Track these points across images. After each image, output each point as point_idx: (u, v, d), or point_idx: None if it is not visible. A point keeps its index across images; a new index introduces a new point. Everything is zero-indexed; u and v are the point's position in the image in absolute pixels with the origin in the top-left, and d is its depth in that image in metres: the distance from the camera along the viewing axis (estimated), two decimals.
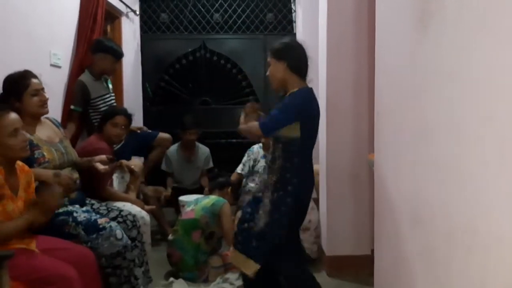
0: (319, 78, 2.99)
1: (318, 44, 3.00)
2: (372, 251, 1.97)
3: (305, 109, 2.02)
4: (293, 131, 1.98)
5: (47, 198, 1.76)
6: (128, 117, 2.82)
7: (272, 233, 2.00)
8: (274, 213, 2.00)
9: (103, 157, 2.38)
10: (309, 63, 2.08)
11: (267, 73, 2.12)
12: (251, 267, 2.03)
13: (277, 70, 2.05)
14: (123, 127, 2.76)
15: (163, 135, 3.50)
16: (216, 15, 4.83)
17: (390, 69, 1.68)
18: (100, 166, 2.31)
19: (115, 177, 2.92)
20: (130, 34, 4.30)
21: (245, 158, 3.68)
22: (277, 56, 2.06)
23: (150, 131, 3.56)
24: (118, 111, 2.82)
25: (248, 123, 2.11)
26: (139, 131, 3.43)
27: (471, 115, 1.01)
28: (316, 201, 3.20)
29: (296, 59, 2.06)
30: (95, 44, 3.03)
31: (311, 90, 2.08)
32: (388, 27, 1.69)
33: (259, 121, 2.06)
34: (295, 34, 4.72)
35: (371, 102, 2.36)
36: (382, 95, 1.79)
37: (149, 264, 2.37)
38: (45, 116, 2.22)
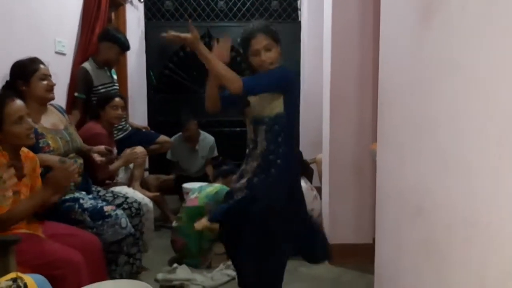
0: (323, 67, 2.99)
1: (323, 32, 2.99)
2: (374, 239, 1.99)
3: (291, 83, 1.96)
4: (277, 107, 1.91)
5: (59, 176, 1.75)
6: (123, 98, 2.95)
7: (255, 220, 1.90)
8: (249, 195, 1.92)
9: (102, 148, 2.40)
10: None
11: (264, 57, 1.89)
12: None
13: (278, 54, 1.93)
14: (121, 108, 2.85)
15: (165, 137, 3.54)
16: (221, 3, 4.80)
17: (393, 60, 1.67)
18: (97, 157, 2.33)
19: None
20: (134, 21, 4.28)
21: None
22: (277, 39, 1.93)
23: (153, 132, 3.61)
24: (113, 94, 2.91)
25: (230, 71, 1.81)
26: (144, 130, 3.55)
27: (473, 108, 1.01)
28: (319, 190, 3.22)
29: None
30: (103, 33, 3.04)
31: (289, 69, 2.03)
32: (392, 17, 1.68)
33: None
34: (300, 22, 4.68)
35: (375, 92, 2.35)
36: (386, 85, 1.79)
37: (142, 255, 2.37)
38: (50, 103, 2.24)
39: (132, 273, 2.27)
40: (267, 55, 1.91)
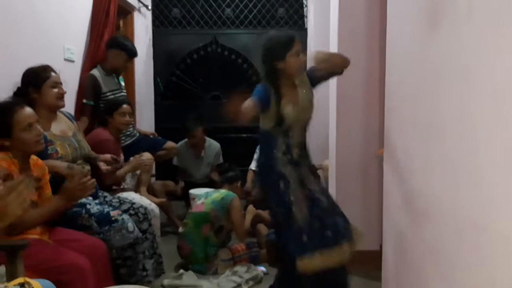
0: None
1: (329, 39, 3.00)
2: (381, 246, 1.97)
3: None
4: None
5: (75, 188, 1.75)
6: (131, 105, 2.98)
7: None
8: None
9: (108, 156, 2.42)
10: None
11: (304, 58, 2.05)
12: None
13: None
14: (129, 114, 2.88)
15: (171, 143, 3.56)
16: (228, 10, 4.83)
17: (400, 66, 1.67)
18: (103, 166, 2.35)
19: None
20: (142, 29, 4.33)
21: (256, 155, 3.70)
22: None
23: (161, 138, 3.63)
24: (121, 101, 2.92)
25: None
26: (151, 136, 3.58)
27: (481, 113, 1.00)
28: None
29: None
30: (111, 40, 3.07)
31: None
32: (399, 24, 1.68)
33: None
34: (306, 29, 4.70)
35: (381, 98, 2.35)
36: (393, 91, 1.79)
37: (162, 258, 2.42)
38: (59, 110, 2.27)
39: (160, 274, 2.40)
40: (303, 57, 2.02)
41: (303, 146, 2.08)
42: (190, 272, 2.67)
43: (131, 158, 2.82)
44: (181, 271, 2.68)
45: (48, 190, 1.90)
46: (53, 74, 2.16)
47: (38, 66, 2.15)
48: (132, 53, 3.17)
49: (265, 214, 3.16)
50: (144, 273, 2.21)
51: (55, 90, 2.15)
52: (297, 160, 2.05)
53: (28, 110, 1.78)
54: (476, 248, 1.02)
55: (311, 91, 2.08)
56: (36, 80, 2.11)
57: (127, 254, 2.14)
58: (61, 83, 2.19)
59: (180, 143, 3.91)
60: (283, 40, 1.99)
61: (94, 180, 1.77)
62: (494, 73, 0.95)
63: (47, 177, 1.93)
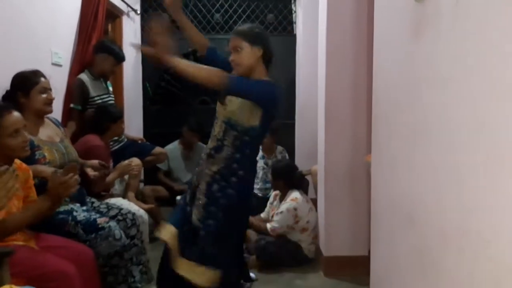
0: (318, 79, 3.02)
1: (317, 45, 3.03)
2: (369, 252, 1.99)
3: (273, 101, 1.91)
4: (253, 119, 1.87)
5: (58, 187, 1.71)
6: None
7: (209, 231, 1.85)
8: (210, 206, 1.87)
9: (96, 162, 2.40)
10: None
11: (231, 57, 1.89)
12: (205, 275, 1.82)
13: (249, 56, 1.87)
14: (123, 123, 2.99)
15: (160, 149, 3.56)
16: (217, 15, 4.84)
17: (387, 73, 1.70)
18: (90, 172, 2.33)
19: None
20: (131, 33, 4.31)
21: None
22: (253, 41, 1.87)
23: (149, 143, 3.64)
24: (119, 114, 2.96)
25: (204, 68, 1.83)
26: (139, 142, 3.57)
27: (464, 120, 1.03)
28: (314, 202, 3.22)
29: (271, 49, 1.92)
30: (98, 45, 3.05)
31: (280, 87, 1.98)
32: (385, 31, 1.71)
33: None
34: (295, 35, 4.73)
35: (369, 104, 2.38)
36: (379, 98, 1.81)
37: (149, 266, 2.40)
38: (46, 115, 2.25)
39: (149, 280, 2.33)
40: (234, 55, 1.90)
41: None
42: None
43: (118, 165, 2.80)
44: None
45: (33, 194, 1.87)
46: (42, 79, 2.14)
47: (28, 71, 2.13)
48: (119, 57, 3.16)
49: (254, 220, 3.16)
50: (132, 279, 2.20)
51: (44, 95, 2.13)
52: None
53: (16, 115, 1.76)
54: (459, 251, 1.04)
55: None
56: (25, 85, 2.09)
57: (114, 261, 2.11)
58: (50, 89, 2.17)
59: (170, 144, 3.93)
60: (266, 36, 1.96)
61: (76, 176, 1.74)
62: (476, 82, 0.97)
63: (31, 181, 1.90)
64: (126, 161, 2.86)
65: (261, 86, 1.89)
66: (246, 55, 1.88)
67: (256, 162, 2.06)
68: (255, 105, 1.87)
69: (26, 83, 2.10)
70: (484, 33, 0.94)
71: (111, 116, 2.86)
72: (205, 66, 1.84)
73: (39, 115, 2.16)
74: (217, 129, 1.98)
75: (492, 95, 0.91)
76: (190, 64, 1.83)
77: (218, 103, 2.03)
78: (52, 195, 1.70)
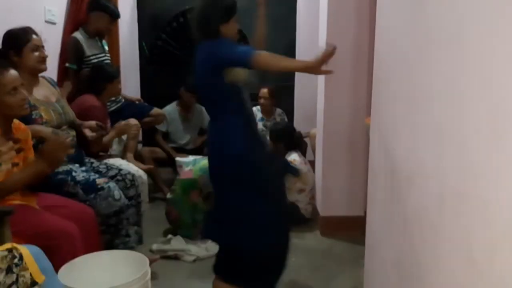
0: (319, 41, 2.95)
1: (319, 7, 2.94)
2: (365, 212, 2.02)
3: None
4: None
5: (54, 148, 1.72)
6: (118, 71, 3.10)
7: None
8: None
9: (93, 123, 2.38)
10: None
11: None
12: None
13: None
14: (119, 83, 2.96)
15: (158, 110, 3.53)
16: None
17: (389, 32, 1.65)
18: (88, 133, 2.31)
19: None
20: None
21: None
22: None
23: (147, 104, 3.59)
24: (116, 74, 2.91)
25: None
26: (137, 102, 3.52)
27: (467, 82, 1.01)
28: (312, 164, 3.24)
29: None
30: (92, 2, 2.96)
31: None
32: None
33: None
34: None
35: (370, 66, 2.34)
36: (381, 59, 1.78)
37: (142, 227, 2.40)
38: (41, 75, 2.20)
39: (140, 242, 2.35)
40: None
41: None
42: (179, 237, 2.71)
43: (116, 125, 2.79)
44: (170, 236, 2.72)
45: (31, 155, 1.87)
46: (34, 36, 2.09)
47: (18, 28, 2.07)
48: (114, 15, 3.07)
49: None
50: (127, 239, 2.22)
51: (37, 53, 2.08)
52: None
53: (13, 72, 1.73)
54: (456, 213, 1.06)
55: None
56: (17, 43, 2.04)
57: (111, 221, 2.13)
58: (43, 46, 2.12)
59: (168, 106, 3.88)
60: (229, 4, 1.98)
61: (71, 137, 1.73)
62: (483, 41, 0.94)
63: (30, 141, 1.90)
64: (124, 122, 2.84)
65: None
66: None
67: None
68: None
69: (18, 41, 2.04)
70: None
71: (107, 75, 2.82)
72: (275, 55, 1.88)
73: (33, 73, 2.12)
74: (250, 109, 2.01)
75: (498, 56, 0.88)
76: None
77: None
78: (48, 157, 1.70)
